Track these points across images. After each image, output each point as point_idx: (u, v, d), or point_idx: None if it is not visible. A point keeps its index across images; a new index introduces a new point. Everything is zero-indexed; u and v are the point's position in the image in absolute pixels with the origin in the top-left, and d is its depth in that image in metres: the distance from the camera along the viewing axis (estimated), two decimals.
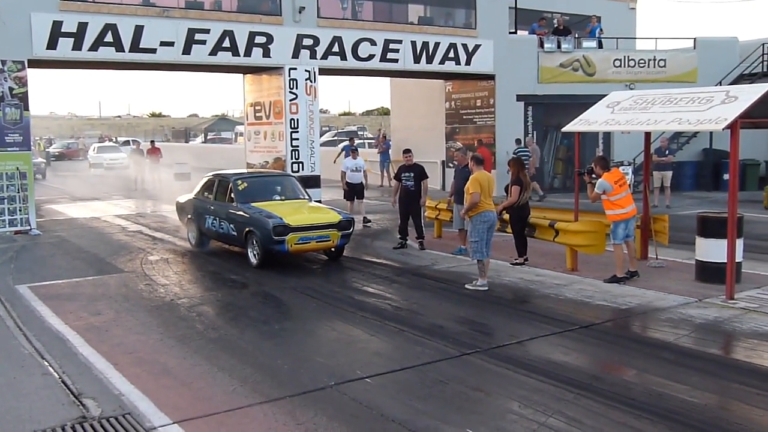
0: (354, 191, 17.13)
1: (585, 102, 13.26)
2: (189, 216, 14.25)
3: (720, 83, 21.94)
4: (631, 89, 17.85)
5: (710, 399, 6.46)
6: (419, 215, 13.84)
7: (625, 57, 24.25)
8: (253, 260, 12.17)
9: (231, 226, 12.60)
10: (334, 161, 30.11)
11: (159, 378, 6.97)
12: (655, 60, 24.41)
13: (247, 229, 12.13)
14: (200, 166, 37.12)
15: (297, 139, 20.00)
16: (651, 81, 23.34)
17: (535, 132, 23.96)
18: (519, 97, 23.57)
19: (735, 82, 22.48)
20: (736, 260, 9.91)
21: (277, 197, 13.22)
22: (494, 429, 5.69)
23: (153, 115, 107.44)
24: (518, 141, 22.57)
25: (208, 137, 60.62)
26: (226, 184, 13.29)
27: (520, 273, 11.56)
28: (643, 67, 24.28)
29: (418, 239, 13.66)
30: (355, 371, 7.05)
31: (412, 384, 6.77)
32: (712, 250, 10.30)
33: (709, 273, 10.35)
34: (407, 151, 14.25)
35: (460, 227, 13.15)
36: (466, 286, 10.62)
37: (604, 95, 12.11)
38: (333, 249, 12.62)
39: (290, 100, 19.76)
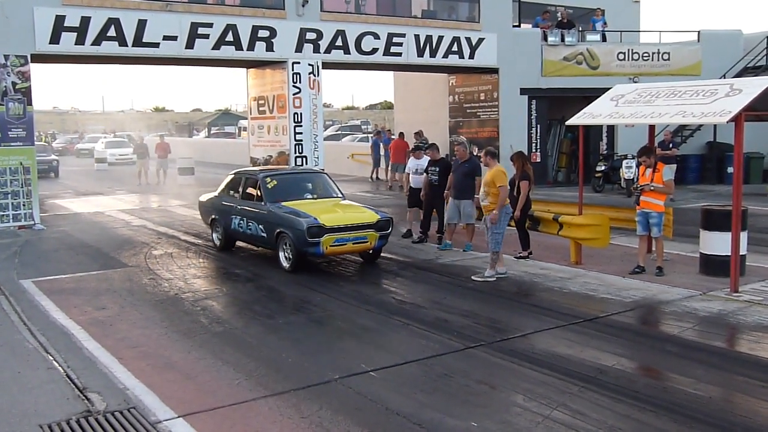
0: (414, 197, 14.28)
1: (589, 95, 13.26)
2: (213, 216, 13.51)
3: (724, 76, 21.87)
4: (635, 82, 17.83)
5: (714, 392, 6.46)
6: (443, 209, 13.70)
7: (629, 50, 24.19)
8: (285, 264, 11.38)
9: (260, 227, 11.85)
10: (351, 156, 30.15)
11: (163, 372, 6.99)
12: (659, 53, 24.34)
13: (278, 231, 11.37)
14: (204, 160, 37.24)
15: (300, 133, 19.99)
16: (655, 74, 23.27)
17: (539, 125, 23.93)
18: (522, 91, 23.53)
19: (739, 74, 22.41)
20: (741, 253, 9.89)
21: (309, 196, 12.44)
22: (499, 422, 5.70)
23: (156, 109, 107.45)
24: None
25: (212, 132, 60.63)
26: (253, 182, 12.53)
27: (525, 266, 11.55)
28: (647, 60, 24.22)
29: (438, 233, 13.59)
30: (360, 365, 7.06)
31: (417, 377, 6.78)
32: (716, 243, 10.29)
33: (714, 266, 10.34)
34: (433, 146, 14.23)
35: (451, 221, 13.02)
36: (473, 277, 10.65)
37: (608, 88, 12.08)
38: (370, 251, 11.86)
39: (293, 94, 19.75)
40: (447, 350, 7.50)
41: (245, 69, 22.05)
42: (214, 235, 13.57)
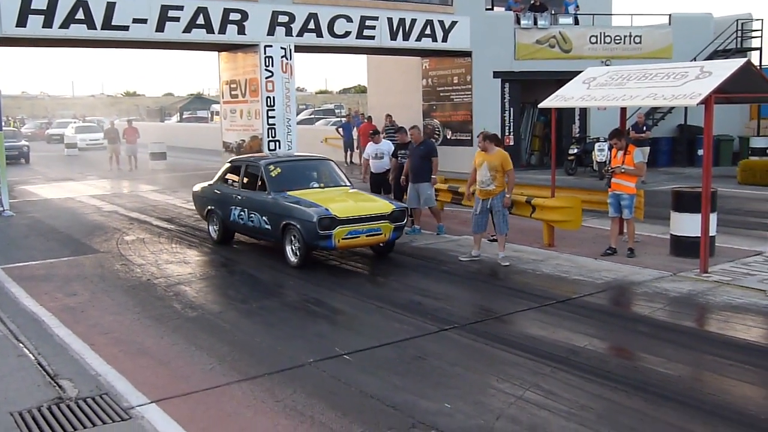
0: (378, 184, 13.99)
1: (561, 78, 13.29)
2: (210, 207, 12.58)
3: (695, 59, 22.03)
4: (607, 65, 17.89)
5: (684, 370, 6.55)
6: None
7: (601, 33, 24.27)
8: (292, 259, 10.55)
9: (264, 218, 11.00)
10: (324, 140, 30.03)
11: (136, 358, 6.94)
12: (630, 36, 24.46)
13: (284, 223, 10.51)
14: (176, 145, 36.92)
15: (273, 117, 19.85)
16: (627, 57, 23.38)
17: (512, 109, 23.98)
18: (496, 74, 23.54)
19: (709, 58, 22.59)
20: (710, 234, 10.00)
21: (315, 184, 11.56)
22: (472, 403, 5.74)
23: (127, 94, 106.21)
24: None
25: (184, 116, 60.08)
26: (255, 170, 11.64)
27: (497, 249, 11.60)
28: (619, 43, 24.33)
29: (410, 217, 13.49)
30: (334, 348, 7.06)
31: (391, 360, 6.80)
32: (686, 224, 10.40)
33: (684, 247, 10.46)
34: (401, 129, 14.10)
35: (411, 206, 12.79)
36: (461, 258, 10.80)
37: (581, 71, 12.12)
38: (382, 244, 11.08)
39: (266, 78, 19.59)
40: (421, 333, 7.53)
41: (217, 52, 21.82)
42: (211, 228, 12.68)
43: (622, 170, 10.61)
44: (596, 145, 21.04)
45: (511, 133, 23.85)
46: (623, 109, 12.44)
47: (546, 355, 6.81)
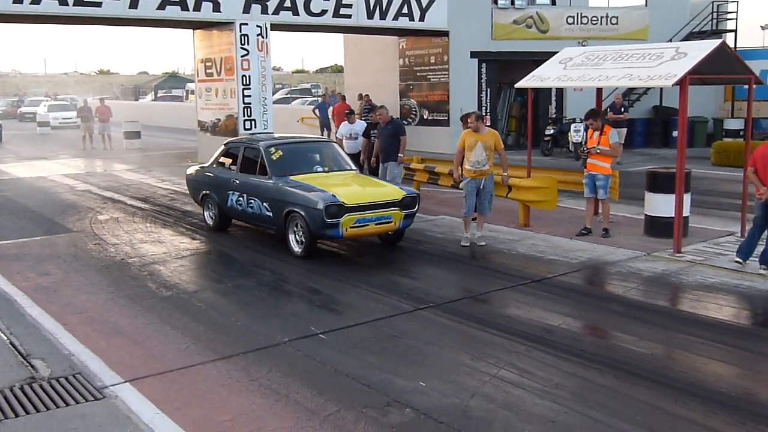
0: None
1: (538, 59, 13.28)
2: (205, 192, 11.80)
3: (671, 40, 22.12)
4: (584, 46, 17.90)
5: (656, 349, 6.62)
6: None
7: (578, 14, 24.29)
8: (296, 249, 9.86)
9: (264, 204, 10.28)
10: (301, 120, 29.84)
11: (110, 337, 6.89)
12: (607, 17, 24.50)
13: (287, 210, 9.82)
14: (151, 124, 36.56)
15: (249, 96, 19.70)
16: (603, 38, 23.41)
17: (489, 89, 23.98)
18: (473, 54, 23.51)
19: (685, 39, 22.68)
20: (684, 215, 10.10)
21: (319, 168, 10.85)
22: (447, 382, 5.76)
23: (101, 72, 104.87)
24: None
25: (159, 95, 59.47)
26: (254, 153, 10.90)
27: (473, 229, 11.62)
28: (596, 24, 24.37)
29: None
30: (310, 327, 7.06)
31: (366, 339, 6.81)
32: (660, 205, 10.48)
33: (658, 227, 10.55)
34: (375, 108, 14.06)
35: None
36: (462, 244, 10.54)
37: (557, 52, 12.12)
38: (391, 233, 10.34)
39: (242, 57, 19.42)
40: (396, 312, 7.54)
41: (192, 30, 21.57)
42: (206, 214, 11.92)
43: (598, 151, 10.66)
44: (572, 126, 21.08)
45: (488, 114, 23.83)
46: (599, 90, 12.47)
47: (521, 333, 6.85)
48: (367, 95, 24.31)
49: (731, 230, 10.93)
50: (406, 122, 24.92)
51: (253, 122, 19.76)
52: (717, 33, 24.50)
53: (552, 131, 22.54)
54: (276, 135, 12.94)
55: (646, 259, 9.55)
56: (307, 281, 8.92)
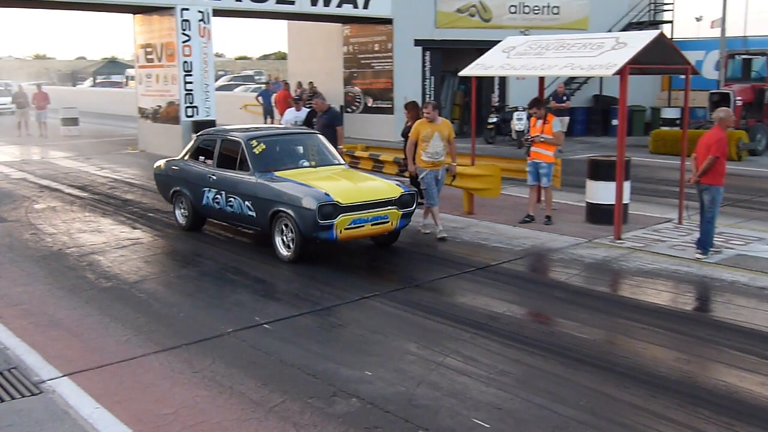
0: None
1: (481, 47, 13.35)
2: (176, 189, 10.76)
3: (610, 31, 22.47)
4: (526, 35, 18.06)
5: (598, 334, 6.73)
6: None
7: (520, 3, 24.50)
8: (284, 252, 9.01)
9: (246, 203, 9.38)
10: (244, 107, 29.47)
11: (47, 330, 6.71)
12: (549, 7, 24.77)
13: (274, 210, 8.94)
14: (89, 110, 35.71)
15: (191, 82, 19.37)
16: (545, 27, 23.68)
17: (433, 77, 24.03)
18: (417, 42, 23.52)
19: (624, 30, 23.09)
20: (624, 202, 10.29)
21: (306, 163, 9.96)
22: (393, 370, 5.75)
23: (37, 57, 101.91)
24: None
25: (97, 81, 58.11)
26: (233, 146, 9.90)
27: (417, 217, 11.64)
28: (538, 14, 24.62)
29: None
30: (254, 317, 6.98)
31: (311, 328, 6.76)
32: (601, 192, 10.65)
33: (599, 214, 10.72)
34: (317, 96, 13.89)
35: None
36: (438, 236, 10.32)
37: (500, 41, 12.18)
38: (387, 233, 9.52)
39: (183, 42, 19.06)
40: (341, 301, 7.51)
41: (131, 15, 21.09)
42: (178, 213, 10.93)
43: (542, 139, 10.76)
44: (515, 114, 21.29)
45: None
46: (541, 79, 12.59)
47: (465, 321, 6.88)
48: (311, 83, 24.14)
49: (669, 217, 11.17)
50: (349, 110, 24.87)
51: (195, 109, 19.45)
52: (654, 24, 25.02)
53: (495, 119, 22.72)
54: (253, 126, 12.02)
55: (587, 246, 9.70)
56: (250, 270, 8.82)
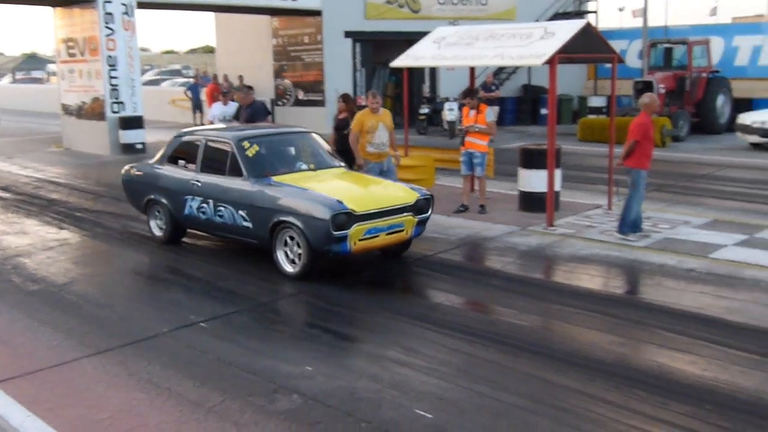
0: None
1: (411, 39, 13.39)
2: (151, 197, 9.58)
3: (537, 21, 22.80)
4: (455, 26, 18.17)
5: (535, 321, 6.82)
6: None
7: None
8: (287, 268, 7.99)
9: (241, 213, 8.31)
10: (172, 102, 28.91)
11: None
12: None
13: (276, 220, 7.93)
14: (8, 108, 34.54)
15: (116, 77, 18.89)
16: (473, 18, 23.87)
17: (364, 69, 23.99)
18: (347, 34, 23.45)
19: (551, 20, 23.44)
20: (555, 190, 10.46)
21: (304, 166, 8.92)
22: (333, 364, 5.72)
23: None
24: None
25: (17, 77, 56.27)
26: (220, 148, 8.86)
27: None
28: (466, 4, 24.81)
29: None
30: (189, 316, 6.84)
31: (249, 325, 6.67)
32: (533, 180, 10.80)
33: (531, 202, 10.87)
34: (241, 88, 13.70)
35: None
36: None
37: (429, 32, 12.23)
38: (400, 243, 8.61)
39: (106, 36, 18.57)
40: (279, 297, 7.44)
41: (51, 8, 20.43)
42: (153, 224, 9.73)
43: (476, 129, 10.84)
44: (446, 105, 21.44)
45: (363, 94, 23.88)
46: (472, 69, 12.69)
47: (404, 312, 6.89)
48: (240, 76, 23.84)
49: (599, 203, 11.40)
50: (280, 103, 24.66)
51: (121, 105, 18.99)
52: (580, 14, 25.50)
53: (427, 110, 22.83)
54: (241, 125, 10.96)
55: (521, 234, 9.82)
56: (184, 269, 8.65)
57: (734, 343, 6.02)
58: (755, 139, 18.11)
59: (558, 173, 10.62)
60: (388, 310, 6.97)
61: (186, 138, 9.59)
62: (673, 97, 20.42)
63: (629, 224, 9.31)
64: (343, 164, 9.30)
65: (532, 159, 10.88)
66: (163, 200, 9.39)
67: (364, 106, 10.72)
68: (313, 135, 9.66)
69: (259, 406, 5.02)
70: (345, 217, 7.54)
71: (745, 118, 18.71)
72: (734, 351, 5.87)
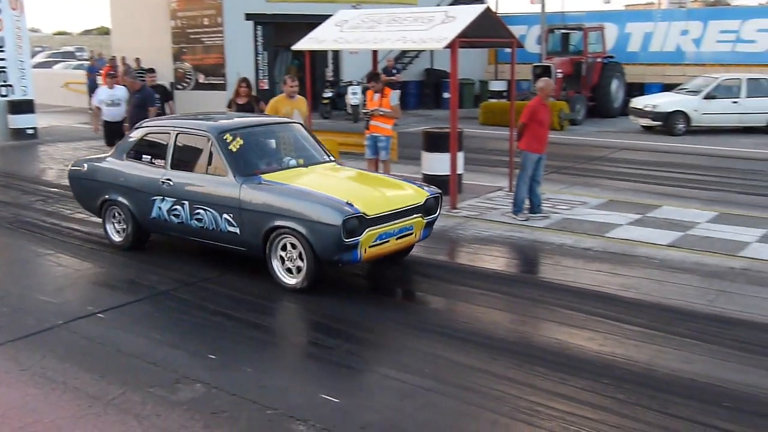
0: (113, 133, 12.34)
1: (314, 22, 13.21)
2: (107, 197, 8.42)
3: (439, 5, 22.97)
4: (358, 9, 18.11)
5: (439, 302, 6.90)
6: None
7: None
8: (288, 280, 6.98)
9: (226, 217, 7.26)
10: (66, 85, 27.78)
11: None
12: None
13: (272, 225, 6.92)
14: None
15: (4, 59, 17.99)
16: (375, 2, 23.74)
17: (266, 52, 23.65)
18: (248, 16, 23.02)
19: (452, 5, 23.67)
20: (458, 172, 10.59)
21: (293, 162, 7.85)
22: (236, 352, 5.63)
23: None
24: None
25: None
26: (197, 142, 7.73)
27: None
28: None
29: None
30: (86, 307, 6.60)
31: (149, 315, 6.50)
32: (436, 163, 10.89)
33: (435, 185, 10.90)
34: (152, 70, 13.22)
35: None
36: None
37: (332, 15, 12.13)
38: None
39: None
40: (179, 285, 7.25)
41: None
42: (110, 228, 8.56)
43: (381, 113, 10.84)
44: (349, 89, 21.40)
45: (266, 77, 23.57)
46: (375, 53, 12.68)
47: (304, 299, 6.84)
48: (137, 59, 23.11)
49: (500, 185, 11.62)
50: (180, 87, 24.06)
51: (10, 88, 18.11)
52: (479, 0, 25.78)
53: (330, 94, 22.72)
54: (214, 113, 9.54)
55: None
56: (82, 258, 8.32)
57: (629, 318, 6.25)
58: (647, 122, 18.85)
59: (460, 156, 10.75)
60: (292, 297, 6.90)
61: (152, 129, 8.42)
62: (570, 81, 21.00)
63: (518, 204, 9.60)
64: (333, 158, 8.35)
65: (435, 142, 10.97)
66: (124, 201, 8.23)
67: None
68: (297, 126, 8.68)
69: (161, 397, 4.90)
70: (356, 222, 6.62)
71: (638, 102, 19.47)
72: (629, 326, 6.10)
